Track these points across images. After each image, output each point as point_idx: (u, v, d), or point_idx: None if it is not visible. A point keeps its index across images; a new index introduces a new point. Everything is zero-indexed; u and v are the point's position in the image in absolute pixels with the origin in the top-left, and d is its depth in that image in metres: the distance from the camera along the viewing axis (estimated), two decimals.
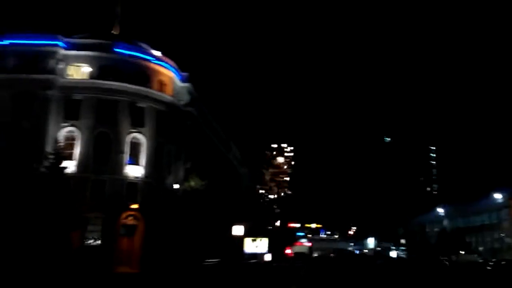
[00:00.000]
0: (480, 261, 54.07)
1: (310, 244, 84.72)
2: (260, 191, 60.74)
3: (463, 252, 62.44)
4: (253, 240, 45.81)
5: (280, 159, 58.35)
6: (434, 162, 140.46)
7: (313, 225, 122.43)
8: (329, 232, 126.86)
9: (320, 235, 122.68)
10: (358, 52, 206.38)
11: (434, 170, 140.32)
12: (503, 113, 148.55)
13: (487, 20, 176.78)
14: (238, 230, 35.79)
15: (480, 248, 72.46)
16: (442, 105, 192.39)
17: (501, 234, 67.34)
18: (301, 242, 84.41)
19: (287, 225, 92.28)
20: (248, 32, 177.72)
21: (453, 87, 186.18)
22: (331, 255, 63.81)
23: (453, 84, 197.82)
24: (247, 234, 47.20)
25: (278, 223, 73.87)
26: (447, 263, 48.52)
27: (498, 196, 67.50)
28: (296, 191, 70.74)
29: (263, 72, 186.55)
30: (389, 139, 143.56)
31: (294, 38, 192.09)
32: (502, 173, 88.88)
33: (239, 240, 43.97)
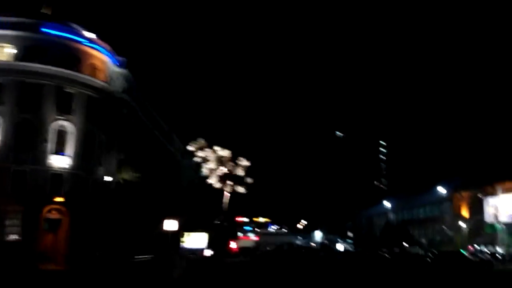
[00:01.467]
0: (421, 252, 55.03)
1: (257, 238, 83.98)
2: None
3: (406, 244, 63.47)
4: (188, 235, 44.09)
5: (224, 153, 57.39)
6: (384, 157, 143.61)
7: (261, 219, 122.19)
8: (277, 226, 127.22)
9: (268, 229, 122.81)
10: (308, 47, 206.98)
11: (383, 165, 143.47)
12: (451, 109, 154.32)
13: (435, 15, 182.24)
14: (170, 224, 33.88)
15: (423, 240, 74.10)
16: (392, 101, 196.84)
17: (443, 227, 68.87)
18: (248, 236, 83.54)
19: (234, 219, 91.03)
20: (191, 16, 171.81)
21: (403, 83, 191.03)
22: (267, 248, 62.96)
23: (403, 80, 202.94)
24: (185, 228, 45.37)
25: (224, 217, 72.43)
26: (386, 255, 48.76)
27: (441, 189, 69.17)
28: (245, 185, 69.78)
29: (208, 61, 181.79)
30: (341, 134, 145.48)
31: (238, 25, 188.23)
32: (446, 168, 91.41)
33: (176, 235, 42.08)
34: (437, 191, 69.51)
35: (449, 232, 65.83)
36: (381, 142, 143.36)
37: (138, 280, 24.35)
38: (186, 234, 44.88)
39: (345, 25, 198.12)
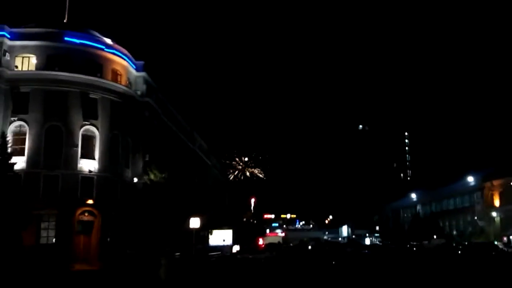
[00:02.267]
0: (452, 244, 54.04)
1: (284, 234, 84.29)
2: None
3: (435, 237, 62.48)
4: (210, 233, 44.77)
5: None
6: (409, 149, 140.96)
7: (288, 216, 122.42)
8: (304, 222, 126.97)
9: (295, 225, 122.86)
10: (329, 38, 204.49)
11: (408, 156, 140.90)
12: (476, 97, 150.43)
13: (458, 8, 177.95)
14: (194, 222, 34.56)
15: (454, 232, 72.67)
16: (415, 90, 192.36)
17: (474, 218, 67.38)
18: (275, 233, 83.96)
19: (262, 216, 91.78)
20: (207, 13, 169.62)
21: (425, 71, 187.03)
22: (290, 244, 62.71)
23: (425, 68, 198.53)
24: (211, 225, 46.15)
25: (251, 214, 73.13)
26: (414, 248, 48.18)
27: (470, 179, 67.72)
28: (270, 181, 70.26)
29: (227, 57, 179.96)
30: (364, 126, 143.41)
31: (258, 19, 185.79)
32: (475, 157, 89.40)
33: (201, 232, 42.87)
34: (467, 181, 68.20)
35: (481, 223, 64.37)
36: (405, 133, 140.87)
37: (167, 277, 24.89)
38: (210, 231, 45.61)
39: (368, 14, 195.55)
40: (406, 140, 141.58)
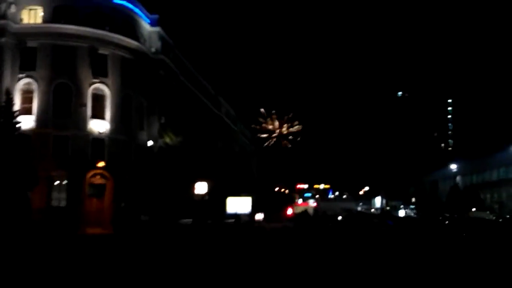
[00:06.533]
0: (493, 218, 50.05)
1: (315, 204, 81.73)
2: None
3: (474, 209, 58.33)
4: (231, 199, 42.18)
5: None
6: (450, 117, 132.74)
7: (322, 186, 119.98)
8: (338, 193, 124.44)
9: (328, 196, 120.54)
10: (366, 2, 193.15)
11: (450, 125, 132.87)
12: None
13: None
14: (200, 187, 32.04)
15: (496, 205, 68.08)
16: (460, 55, 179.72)
17: None
18: (307, 203, 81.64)
19: (294, 185, 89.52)
20: None
21: (470, 34, 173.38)
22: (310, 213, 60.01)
23: (470, 31, 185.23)
24: (231, 192, 43.92)
25: (283, 184, 70.80)
26: (446, 221, 44.30)
27: None
28: (303, 150, 66.75)
29: (257, 14, 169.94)
30: (404, 93, 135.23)
31: None
32: None
33: (220, 199, 40.43)
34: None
35: None
36: (448, 101, 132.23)
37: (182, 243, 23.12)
38: (229, 198, 43.26)
39: None
40: (449, 108, 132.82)
